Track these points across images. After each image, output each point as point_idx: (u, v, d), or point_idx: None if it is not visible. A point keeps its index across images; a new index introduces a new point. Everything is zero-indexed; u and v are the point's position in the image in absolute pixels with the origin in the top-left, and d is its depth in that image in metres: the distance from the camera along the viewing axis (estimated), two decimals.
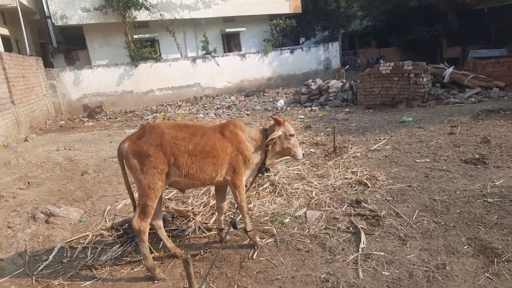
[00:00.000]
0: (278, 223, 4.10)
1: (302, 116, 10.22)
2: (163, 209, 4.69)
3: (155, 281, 3.24)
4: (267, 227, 4.02)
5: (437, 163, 5.47)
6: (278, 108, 12.14)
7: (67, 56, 21.82)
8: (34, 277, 3.38)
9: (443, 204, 4.17)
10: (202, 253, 3.63)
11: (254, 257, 3.49)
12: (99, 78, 17.24)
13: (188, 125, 3.44)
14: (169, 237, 3.96)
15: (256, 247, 3.63)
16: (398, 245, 3.47)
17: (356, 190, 4.79)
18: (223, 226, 3.84)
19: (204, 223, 4.25)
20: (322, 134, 7.95)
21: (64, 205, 4.71)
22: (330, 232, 3.82)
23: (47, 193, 5.22)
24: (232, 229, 3.90)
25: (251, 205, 4.54)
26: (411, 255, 3.29)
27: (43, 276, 3.41)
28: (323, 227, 3.93)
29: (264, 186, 5.01)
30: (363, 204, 4.32)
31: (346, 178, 5.15)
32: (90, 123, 12.93)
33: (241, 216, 3.79)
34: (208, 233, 4.02)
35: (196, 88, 19.17)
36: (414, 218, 3.93)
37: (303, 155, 3.87)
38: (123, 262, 3.56)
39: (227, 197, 3.89)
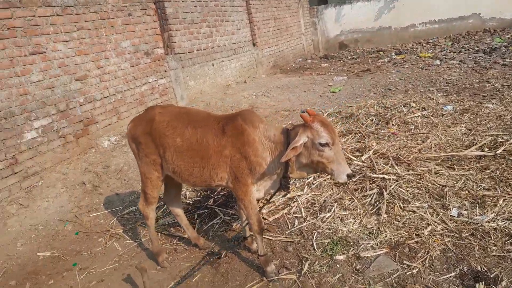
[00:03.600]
0: (327, 255, 2.94)
1: None
2: None
3: (158, 267, 3.19)
4: (307, 255, 2.97)
5: None
6: None
7: None
8: (116, 218, 4.08)
9: None
10: (221, 255, 3.18)
11: None
12: (357, 13, 16.50)
13: (191, 112, 2.85)
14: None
15: (265, 277, 2.81)
16: None
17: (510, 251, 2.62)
18: (247, 234, 3.16)
19: (263, 217, 3.62)
20: None
21: None
22: None
23: None
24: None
25: (330, 214, 3.41)
26: None
27: (120, 219, 4.06)
28: None
29: (369, 193, 3.59)
30: (483, 281, 2.34)
31: None
32: (325, 64, 12.97)
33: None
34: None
35: (473, 20, 14.94)
36: None
37: (350, 176, 2.44)
38: (166, 233, 3.67)
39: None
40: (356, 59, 13.40)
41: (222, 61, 9.61)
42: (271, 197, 3.08)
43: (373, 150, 4.19)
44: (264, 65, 12.02)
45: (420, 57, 11.21)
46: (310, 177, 3.99)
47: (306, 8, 16.40)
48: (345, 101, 7.25)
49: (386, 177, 3.67)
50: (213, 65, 9.16)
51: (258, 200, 2.87)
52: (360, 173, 3.85)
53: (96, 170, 5.00)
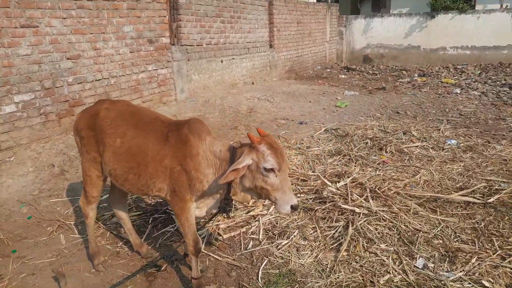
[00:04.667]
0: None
1: None
2: None
3: (92, 270, 2.98)
4: (248, 285, 2.70)
5: None
6: None
7: (375, 3, 21.41)
8: (73, 208, 3.90)
9: None
10: (160, 269, 2.95)
11: None
12: (387, 28, 15.96)
13: (139, 112, 2.61)
14: None
15: None
16: None
17: None
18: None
19: (218, 233, 3.36)
20: None
21: None
22: None
23: None
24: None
25: (287, 241, 3.12)
26: None
27: (77, 210, 3.86)
28: None
29: (335, 225, 3.27)
30: None
31: None
32: (343, 76, 12.55)
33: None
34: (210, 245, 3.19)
35: (508, 51, 14.24)
36: None
37: (294, 208, 2.16)
38: (114, 233, 3.46)
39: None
40: (376, 75, 12.94)
41: (233, 58, 9.37)
42: (211, 218, 2.82)
43: (351, 178, 3.87)
44: (279, 68, 11.72)
45: (442, 82, 10.68)
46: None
47: (334, 16, 15.98)
48: (347, 118, 6.90)
49: (357, 210, 3.34)
50: (222, 61, 8.93)
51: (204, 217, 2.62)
52: (331, 201, 3.53)
53: (70, 153, 4.85)
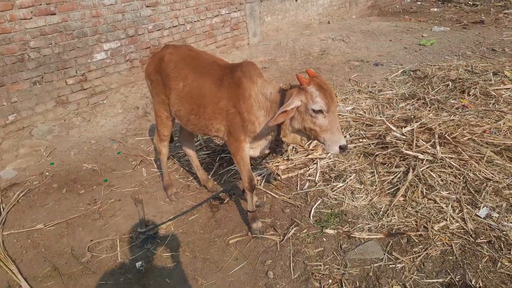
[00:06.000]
0: (318, 226, 2.81)
1: None
2: None
3: (166, 199, 3.42)
4: (300, 221, 2.88)
5: None
6: None
7: None
8: (153, 146, 4.41)
9: None
10: (223, 202, 3.28)
11: (230, 241, 2.81)
12: None
13: (199, 56, 2.74)
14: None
15: (250, 232, 2.85)
16: None
17: None
18: None
19: (277, 174, 3.54)
20: None
21: None
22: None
23: None
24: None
25: (342, 184, 3.19)
26: None
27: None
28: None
29: (394, 170, 3.20)
30: None
31: None
32: (435, 9, 11.12)
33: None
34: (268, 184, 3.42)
35: None
36: None
37: (343, 148, 2.19)
38: (187, 169, 3.86)
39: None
40: (477, 6, 11.19)
41: None
42: (264, 158, 2.97)
43: (419, 123, 3.64)
44: (360, 4, 10.82)
45: None
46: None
47: None
48: (431, 58, 6.27)
49: (421, 156, 3.20)
50: (296, 0, 8.57)
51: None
52: (394, 147, 3.42)
53: None
